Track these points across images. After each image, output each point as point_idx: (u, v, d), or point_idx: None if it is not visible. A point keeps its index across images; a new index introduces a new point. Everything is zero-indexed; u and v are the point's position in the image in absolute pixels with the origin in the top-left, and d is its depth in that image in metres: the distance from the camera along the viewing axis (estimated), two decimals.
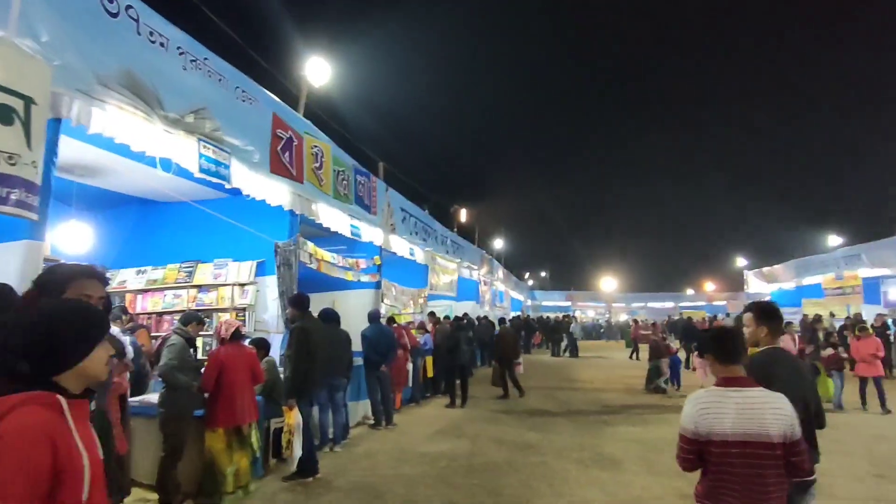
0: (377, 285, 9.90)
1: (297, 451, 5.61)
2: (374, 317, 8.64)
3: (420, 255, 12.23)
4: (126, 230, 7.52)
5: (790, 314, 22.32)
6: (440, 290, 14.67)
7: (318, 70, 10.60)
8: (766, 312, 3.07)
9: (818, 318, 15.44)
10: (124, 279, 7.39)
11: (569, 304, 47.90)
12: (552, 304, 46.56)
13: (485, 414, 9.81)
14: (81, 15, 3.78)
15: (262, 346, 6.20)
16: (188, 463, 4.98)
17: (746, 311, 3.17)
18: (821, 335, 12.89)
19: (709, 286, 52.14)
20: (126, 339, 5.47)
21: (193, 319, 5.19)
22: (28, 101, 3.35)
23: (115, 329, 4.96)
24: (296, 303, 6.19)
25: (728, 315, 28.15)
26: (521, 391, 11.67)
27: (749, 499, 2.41)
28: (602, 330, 39.81)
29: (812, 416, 2.88)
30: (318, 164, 7.32)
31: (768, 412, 2.42)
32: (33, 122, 3.37)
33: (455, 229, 20.99)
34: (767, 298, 16.68)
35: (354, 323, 8.70)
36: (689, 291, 52.34)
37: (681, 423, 2.57)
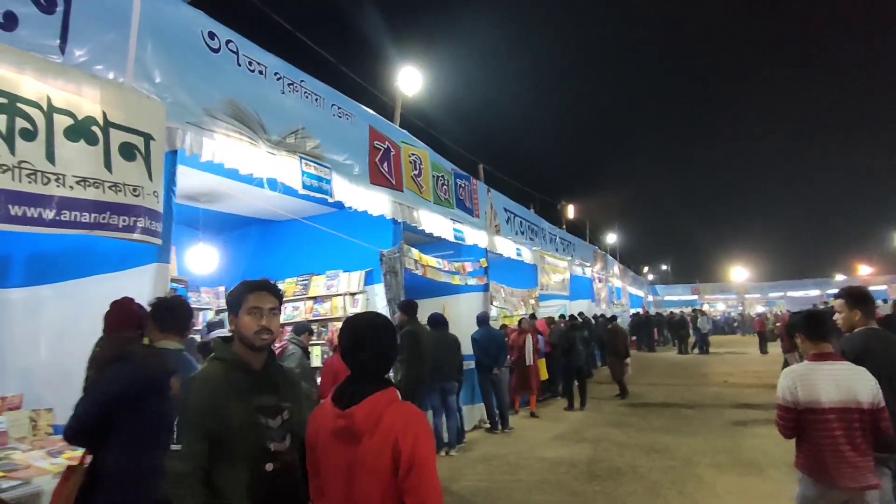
0: (485, 288, 9.85)
1: None
2: (482, 320, 8.57)
3: (528, 255, 12.01)
4: (249, 249, 8.12)
5: None
6: (552, 290, 14.28)
7: (410, 79, 10.80)
8: (857, 297, 3.21)
9: None
10: None
11: (695, 297, 44.75)
12: (676, 298, 43.82)
13: (607, 416, 9.36)
14: (188, 54, 4.11)
15: None
16: None
17: (837, 297, 3.32)
18: None
19: (863, 269, 45.99)
20: None
21: (305, 330, 5.45)
22: (147, 138, 3.69)
23: None
24: (405, 308, 6.32)
25: (886, 301, 24.53)
26: (625, 391, 11.23)
27: (842, 460, 2.69)
28: (735, 324, 36.69)
29: None
30: (416, 172, 7.43)
31: (856, 381, 2.73)
32: (153, 156, 3.70)
33: (564, 226, 20.43)
34: None
35: (466, 327, 8.72)
36: (839, 277, 46.30)
37: (777, 394, 2.90)
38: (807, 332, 2.92)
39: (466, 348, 8.05)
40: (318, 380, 5.77)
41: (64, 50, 3.32)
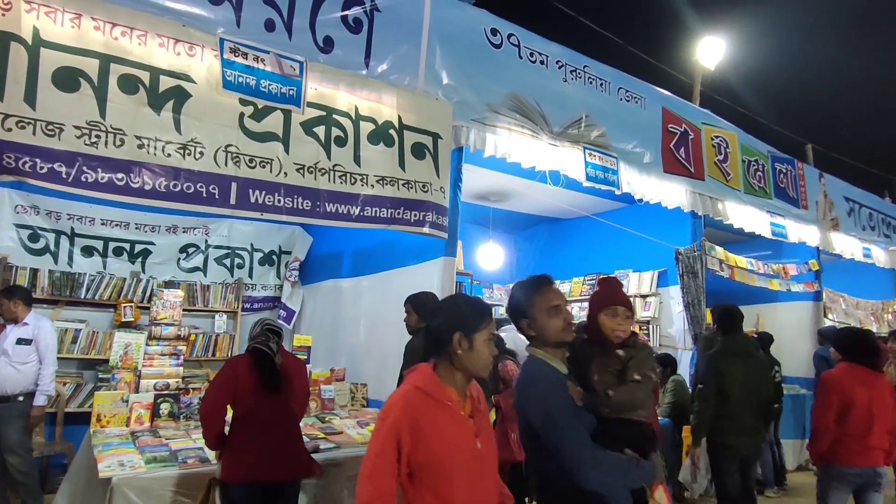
0: (816, 296, 7.97)
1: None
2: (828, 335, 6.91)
3: (881, 257, 9.32)
4: (538, 247, 8.20)
5: None
6: None
7: (711, 50, 9.36)
8: None
9: None
10: None
11: None
12: None
13: None
14: (472, 53, 4.22)
15: (668, 363, 5.65)
16: None
17: None
18: None
19: None
20: None
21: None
22: (435, 137, 3.90)
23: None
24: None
25: None
26: None
27: None
28: None
29: None
30: (721, 157, 6.39)
31: None
32: (440, 154, 3.90)
33: None
34: None
35: (787, 341, 7.21)
36: None
37: None
38: None
39: (788, 368, 6.60)
40: None
41: (368, 64, 3.72)
